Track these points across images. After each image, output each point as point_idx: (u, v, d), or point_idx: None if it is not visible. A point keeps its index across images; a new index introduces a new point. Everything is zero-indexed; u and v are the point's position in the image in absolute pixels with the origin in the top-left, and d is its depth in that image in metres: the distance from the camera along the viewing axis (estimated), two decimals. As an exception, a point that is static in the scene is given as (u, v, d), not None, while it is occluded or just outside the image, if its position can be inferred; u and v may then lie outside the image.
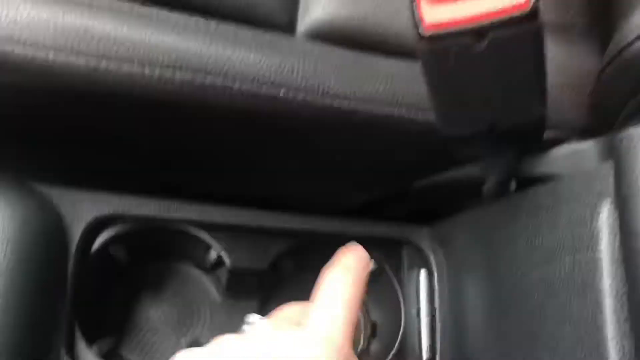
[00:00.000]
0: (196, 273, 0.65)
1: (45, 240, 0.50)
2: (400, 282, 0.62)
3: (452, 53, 0.37)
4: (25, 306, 0.47)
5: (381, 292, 0.65)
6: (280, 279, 0.66)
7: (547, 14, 0.63)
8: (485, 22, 0.36)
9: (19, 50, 0.40)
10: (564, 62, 0.58)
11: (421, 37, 0.37)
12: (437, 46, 0.37)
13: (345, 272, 0.42)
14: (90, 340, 0.54)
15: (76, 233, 0.54)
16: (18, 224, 0.47)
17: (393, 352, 0.59)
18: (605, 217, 0.38)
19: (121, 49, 0.41)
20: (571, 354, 0.39)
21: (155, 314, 0.62)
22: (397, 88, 0.48)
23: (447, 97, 0.41)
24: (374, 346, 0.64)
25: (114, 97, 0.43)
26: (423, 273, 0.60)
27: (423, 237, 0.62)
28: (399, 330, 0.60)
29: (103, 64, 0.41)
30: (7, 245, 0.46)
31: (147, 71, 0.42)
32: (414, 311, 0.60)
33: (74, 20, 0.41)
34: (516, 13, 0.35)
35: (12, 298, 0.45)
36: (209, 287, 0.64)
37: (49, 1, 0.42)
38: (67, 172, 0.58)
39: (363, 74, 0.48)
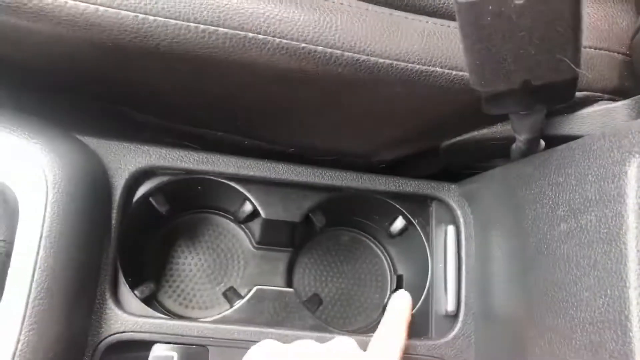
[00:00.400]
0: (231, 225, 0.67)
1: (92, 189, 0.53)
2: (427, 237, 0.64)
3: (489, 9, 0.38)
4: (74, 251, 0.49)
5: (409, 246, 0.67)
6: (312, 231, 0.68)
7: (582, -26, 0.63)
8: (523, -21, 0.37)
9: (70, 4, 0.42)
10: (597, 21, 0.58)
11: (459, -6, 0.38)
12: (474, 2, 0.38)
13: (400, 322, 0.53)
14: (132, 285, 0.57)
15: (119, 183, 0.56)
16: (66, 174, 0.50)
17: (419, 304, 0.61)
18: (633, 174, 0.39)
19: (167, 4, 0.43)
20: (594, 302, 0.41)
21: (192, 262, 0.66)
22: (432, 46, 0.49)
23: (482, 54, 0.41)
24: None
25: (159, 51, 0.44)
26: (450, 229, 0.62)
27: (451, 194, 0.64)
28: (426, 283, 0.62)
29: (150, 19, 0.43)
30: (57, 193, 0.48)
31: (192, 26, 0.43)
32: (440, 265, 0.62)
33: (121, -24, 0.43)
34: (554, -31, 0.36)
35: (63, 243, 0.48)
36: (243, 239, 0.67)
37: (97, -43, 0.44)
38: (111, 126, 0.60)
39: (398, 32, 0.48)
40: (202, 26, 0.44)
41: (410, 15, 0.51)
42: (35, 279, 0.46)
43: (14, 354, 0.45)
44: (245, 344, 0.55)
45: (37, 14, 0.42)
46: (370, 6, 0.50)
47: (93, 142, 0.57)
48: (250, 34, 0.45)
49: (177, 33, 0.44)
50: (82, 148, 0.55)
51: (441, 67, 0.49)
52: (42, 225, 0.47)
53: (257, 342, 0.50)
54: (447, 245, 0.62)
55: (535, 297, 0.48)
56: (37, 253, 0.47)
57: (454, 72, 0.50)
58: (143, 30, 0.43)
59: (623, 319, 0.38)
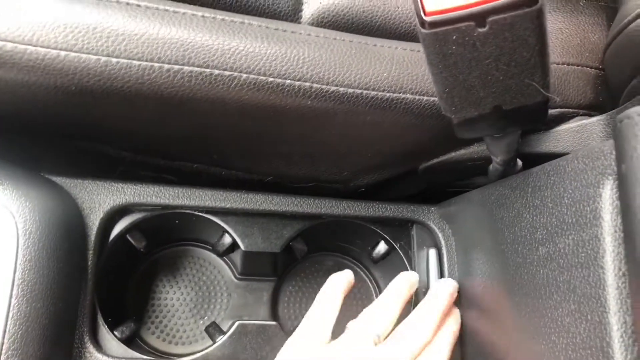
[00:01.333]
0: (212, 257, 0.67)
1: (66, 231, 0.52)
2: (410, 260, 0.64)
3: (453, 38, 0.38)
4: (48, 297, 0.48)
5: (393, 270, 0.66)
6: (293, 260, 0.68)
7: (551, -12, 0.63)
8: (485, 6, 0.37)
9: (31, 50, 0.41)
10: (569, 37, 0.58)
11: (422, 23, 0.38)
12: (438, 32, 0.38)
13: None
14: (112, 326, 0.56)
15: (94, 223, 0.55)
16: (38, 216, 0.49)
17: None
18: (607, 196, 0.39)
19: (130, 45, 0.42)
20: (575, 328, 0.40)
21: (174, 297, 0.64)
22: (402, 74, 0.49)
23: (450, 81, 0.41)
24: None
25: (123, 92, 0.44)
26: (432, 252, 0.61)
27: (431, 217, 0.63)
28: (410, 307, 0.61)
29: (113, 61, 0.42)
30: (29, 237, 0.48)
31: (156, 67, 0.43)
32: (424, 290, 0.61)
33: (83, 18, 0.42)
34: (517, -3, 0.36)
35: (37, 288, 0.47)
36: (225, 269, 0.66)
37: (58, 0, 0.43)
38: (84, 164, 0.60)
39: (367, 60, 0.48)
40: (166, 65, 0.43)
41: (379, 42, 0.51)
42: (7, 330, 0.45)
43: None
44: (229, 381, 0.54)
45: (-2, 61, 0.42)
46: (339, 34, 0.50)
47: (65, 182, 0.56)
48: (217, 71, 0.44)
49: (141, 74, 0.43)
50: (53, 189, 0.54)
51: (412, 94, 0.49)
52: (14, 275, 0.46)
53: None
54: (429, 269, 0.61)
55: (517, 322, 0.47)
56: (9, 303, 0.45)
57: (425, 98, 0.49)
58: (106, 72, 0.42)
59: (605, 345, 0.37)
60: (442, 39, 0.38)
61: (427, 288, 0.60)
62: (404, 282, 0.57)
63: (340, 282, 0.56)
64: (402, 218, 0.63)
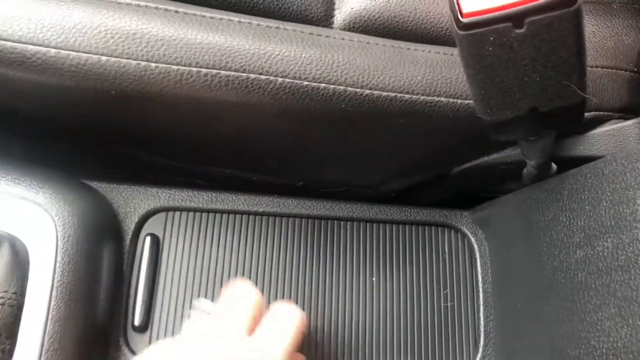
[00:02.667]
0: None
1: (102, 234, 0.53)
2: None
3: (490, 39, 0.38)
4: (86, 299, 0.49)
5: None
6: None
7: (584, -8, 0.63)
8: (523, 7, 0.37)
9: (73, 55, 0.42)
10: (602, 40, 0.58)
11: (459, 25, 0.38)
12: (475, 33, 0.38)
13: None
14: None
15: (130, 227, 0.56)
16: (76, 220, 0.50)
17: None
18: (648, 197, 0.38)
19: (169, 50, 0.43)
20: (616, 332, 0.39)
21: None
22: (436, 77, 0.49)
23: (486, 84, 0.41)
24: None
25: (161, 97, 0.45)
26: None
27: (464, 221, 0.63)
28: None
29: (152, 66, 0.43)
30: (67, 240, 0.48)
31: (193, 71, 0.43)
32: (457, 294, 0.61)
33: (123, 24, 0.43)
34: (554, -3, 0.36)
35: (75, 291, 0.48)
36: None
37: (99, 6, 0.44)
38: (119, 169, 0.61)
39: (401, 63, 0.48)
40: (204, 70, 0.44)
41: (413, 45, 0.51)
42: (47, 331, 0.46)
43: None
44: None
45: (41, 66, 0.43)
46: (372, 39, 0.50)
47: (101, 187, 0.57)
48: (253, 75, 0.45)
49: (179, 78, 0.44)
50: (90, 193, 0.55)
51: (446, 97, 0.49)
52: (53, 276, 0.47)
53: None
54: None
55: (554, 327, 0.47)
56: (49, 304, 0.46)
57: (459, 101, 0.49)
58: (145, 77, 0.43)
59: (648, 349, 0.36)
60: (479, 40, 0.38)
61: (460, 293, 0.60)
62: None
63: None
64: (434, 222, 0.63)
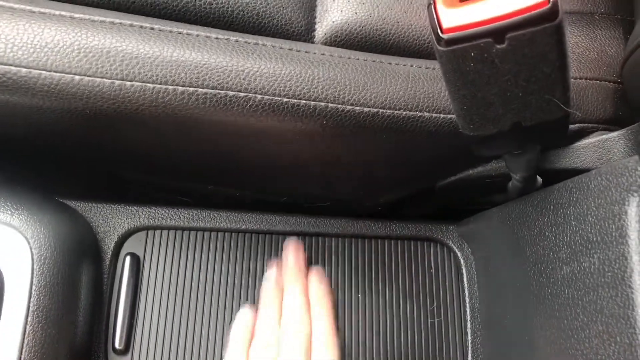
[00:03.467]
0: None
1: (80, 255, 0.52)
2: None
3: (471, 55, 0.37)
4: (64, 321, 0.48)
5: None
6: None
7: (566, 3, 0.62)
8: (504, 23, 0.36)
9: (45, 74, 0.41)
10: (586, 51, 0.57)
11: (440, 41, 0.37)
12: (456, 49, 0.37)
13: None
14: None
15: (109, 246, 0.55)
16: (53, 241, 0.48)
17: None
18: (633, 213, 0.38)
19: (144, 68, 0.42)
20: (604, 350, 0.39)
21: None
22: (418, 91, 0.48)
23: (468, 99, 0.40)
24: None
25: (138, 115, 0.44)
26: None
27: (450, 235, 0.62)
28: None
29: (127, 85, 0.42)
30: (44, 262, 0.47)
31: (170, 89, 0.42)
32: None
33: (97, 42, 0.42)
34: (535, 12, 0.35)
35: (52, 314, 0.47)
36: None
37: (72, 23, 0.43)
38: (98, 187, 0.59)
39: (382, 78, 0.48)
40: (180, 88, 0.43)
41: (395, 59, 0.50)
42: (23, 357, 0.44)
43: None
44: None
45: (12, 86, 0.42)
46: (353, 53, 0.50)
47: (80, 206, 0.55)
48: (231, 93, 0.44)
49: (155, 97, 0.43)
50: (67, 213, 0.54)
51: (428, 112, 0.48)
52: (29, 300, 0.46)
53: None
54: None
55: (542, 344, 0.46)
56: (24, 329, 0.45)
57: (442, 116, 0.49)
58: (121, 96, 0.42)
59: (636, 368, 0.36)
60: (460, 56, 0.38)
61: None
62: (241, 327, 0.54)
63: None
64: (420, 237, 0.62)
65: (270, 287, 0.55)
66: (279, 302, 0.53)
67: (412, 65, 0.50)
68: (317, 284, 0.54)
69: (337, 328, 0.52)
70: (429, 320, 0.60)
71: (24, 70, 0.41)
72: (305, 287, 0.53)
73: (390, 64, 0.49)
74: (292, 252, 0.56)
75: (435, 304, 0.61)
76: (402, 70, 0.49)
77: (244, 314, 0.54)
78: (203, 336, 0.59)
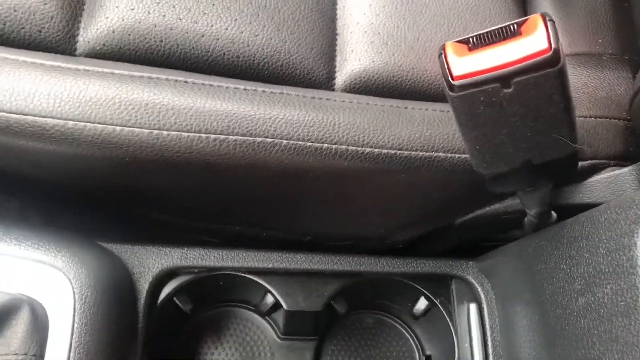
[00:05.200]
0: (255, 317, 0.68)
1: (118, 295, 0.54)
2: (450, 315, 0.64)
3: (480, 99, 0.40)
4: (104, 357, 0.50)
5: (433, 326, 0.66)
6: (335, 317, 0.68)
7: (575, 46, 0.65)
8: (510, 69, 0.39)
9: (89, 126, 0.45)
10: (595, 90, 0.60)
11: (451, 87, 0.40)
12: (466, 95, 0.40)
13: None
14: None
15: (144, 287, 0.58)
16: (93, 282, 0.51)
17: (449, 384, 0.61)
18: (642, 244, 0.40)
19: (179, 119, 0.46)
20: (621, 378, 0.40)
21: (219, 357, 0.66)
22: (433, 133, 0.51)
23: (479, 140, 0.43)
24: (431, 379, 0.66)
25: (173, 162, 0.47)
26: (473, 307, 0.62)
27: (470, 271, 0.64)
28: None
29: (164, 134, 0.46)
30: (85, 301, 0.50)
31: (203, 137, 0.46)
32: (466, 344, 0.62)
33: (135, 95, 0.46)
34: (539, 59, 0.38)
35: (93, 350, 0.49)
36: (268, 330, 0.67)
37: (112, 79, 0.47)
38: (132, 229, 0.63)
39: (399, 122, 0.51)
40: (212, 136, 0.46)
41: (411, 104, 0.54)
42: (66, 392, 0.47)
43: None
44: None
45: (60, 138, 0.45)
46: (372, 99, 0.53)
47: (116, 248, 0.59)
48: (259, 139, 0.47)
49: (189, 144, 0.46)
50: (105, 255, 0.57)
51: (444, 152, 0.51)
52: (71, 337, 0.48)
53: None
54: (470, 324, 0.61)
55: (562, 374, 0.47)
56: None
57: (457, 156, 0.51)
58: (158, 144, 0.46)
59: (651, 394, 0.37)
60: (470, 100, 0.40)
61: (470, 342, 0.61)
62: None
63: None
64: (441, 273, 0.64)
65: None
66: None
67: (427, 109, 0.53)
68: None
69: None
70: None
71: (70, 122, 0.45)
72: None
73: (406, 108, 0.52)
74: None
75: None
76: (417, 114, 0.52)
77: None
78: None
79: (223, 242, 0.63)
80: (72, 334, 0.49)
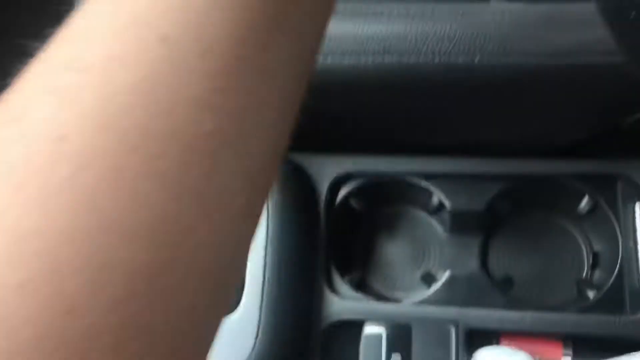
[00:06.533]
0: (423, 215, 0.74)
1: (301, 197, 0.64)
2: (616, 215, 0.64)
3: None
4: (292, 251, 0.62)
5: (598, 225, 0.67)
6: (498, 218, 0.72)
7: None
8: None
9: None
10: None
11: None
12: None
13: None
14: (342, 274, 0.67)
15: (323, 189, 0.67)
16: (280, 188, 0.62)
17: (612, 279, 0.62)
18: None
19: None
20: None
21: (392, 251, 0.74)
22: (590, 36, 0.50)
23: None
24: (596, 273, 0.68)
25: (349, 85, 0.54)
26: (638, 206, 0.62)
27: (636, 171, 0.63)
28: (618, 260, 0.63)
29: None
30: (274, 206, 0.61)
31: (362, 60, 0.51)
32: (631, 243, 0.62)
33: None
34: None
35: (284, 246, 0.60)
36: (436, 227, 0.74)
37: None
38: (313, 141, 0.71)
39: (554, 27, 0.51)
40: (371, 57, 0.52)
41: (567, 5, 0.53)
42: (266, 277, 0.59)
43: (258, 328, 0.58)
44: (443, 322, 0.62)
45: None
46: (528, 6, 0.53)
47: (297, 157, 0.68)
48: (412, 57, 0.51)
49: (354, 67, 0.52)
50: (290, 163, 0.67)
51: (602, 56, 0.50)
52: (267, 234, 0.60)
53: (454, 320, 0.57)
54: (636, 224, 0.61)
55: None
56: (265, 256, 0.59)
57: (618, 56, 0.50)
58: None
59: None
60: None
61: (635, 241, 0.61)
62: None
63: None
64: (606, 173, 0.64)
65: None
66: None
67: (584, 10, 0.52)
68: None
69: None
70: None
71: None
72: None
73: (561, 11, 0.52)
74: None
75: None
76: (573, 17, 0.51)
77: None
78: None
79: (391, 148, 0.69)
80: (267, 232, 0.60)
